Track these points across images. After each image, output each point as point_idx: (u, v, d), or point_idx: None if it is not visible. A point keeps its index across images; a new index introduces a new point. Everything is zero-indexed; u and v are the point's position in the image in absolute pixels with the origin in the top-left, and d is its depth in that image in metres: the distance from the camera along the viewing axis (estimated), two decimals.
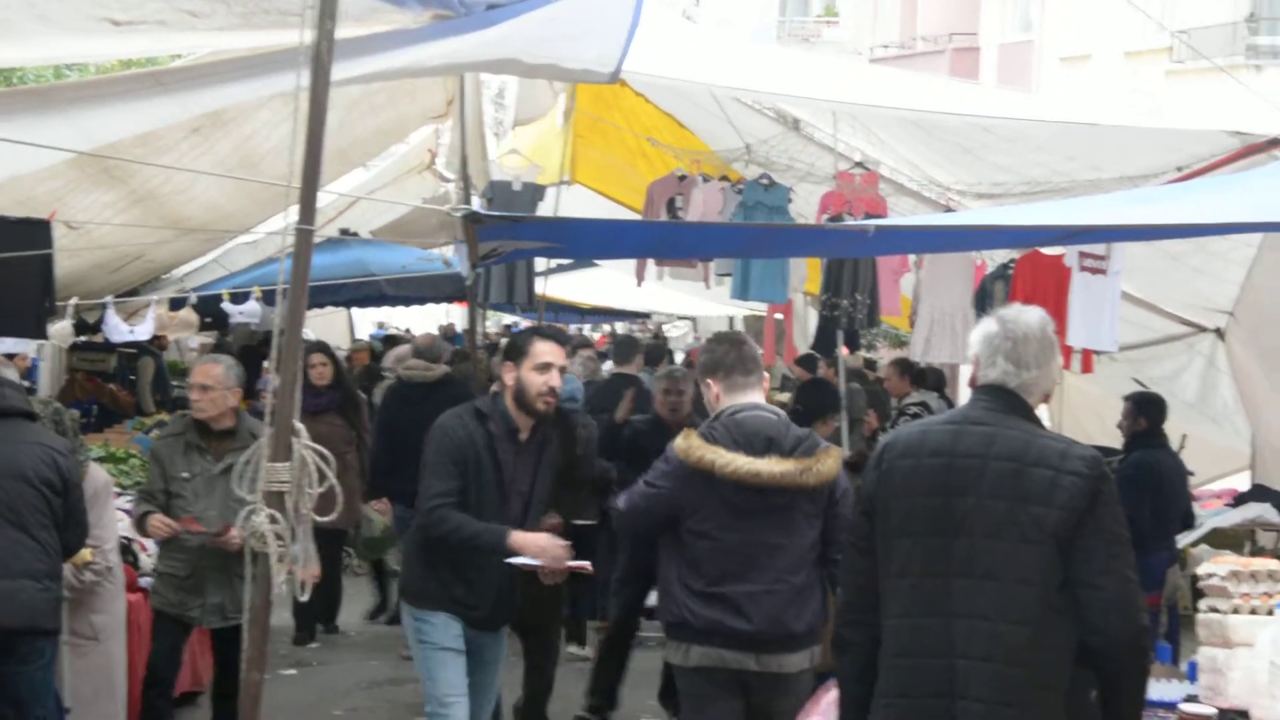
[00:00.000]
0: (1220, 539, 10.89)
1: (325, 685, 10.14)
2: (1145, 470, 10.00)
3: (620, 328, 30.70)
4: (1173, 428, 10.74)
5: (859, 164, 10.17)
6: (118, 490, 8.32)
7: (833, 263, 10.09)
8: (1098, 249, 8.86)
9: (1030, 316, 4.69)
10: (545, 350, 6.52)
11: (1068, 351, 9.20)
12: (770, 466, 6.01)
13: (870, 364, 20.59)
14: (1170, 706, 5.56)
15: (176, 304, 13.77)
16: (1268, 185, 6.90)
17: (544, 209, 11.75)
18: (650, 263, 11.71)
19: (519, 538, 6.32)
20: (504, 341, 12.03)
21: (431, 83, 10.87)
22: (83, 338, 14.76)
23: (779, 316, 13.61)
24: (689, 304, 22.63)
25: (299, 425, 4.99)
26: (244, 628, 5.15)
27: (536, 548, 6.33)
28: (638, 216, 12.10)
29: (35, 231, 9.34)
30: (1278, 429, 10.27)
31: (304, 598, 5.45)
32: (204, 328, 15.91)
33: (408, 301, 17.15)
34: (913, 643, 4.52)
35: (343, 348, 18.25)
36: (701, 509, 6.10)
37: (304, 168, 4.94)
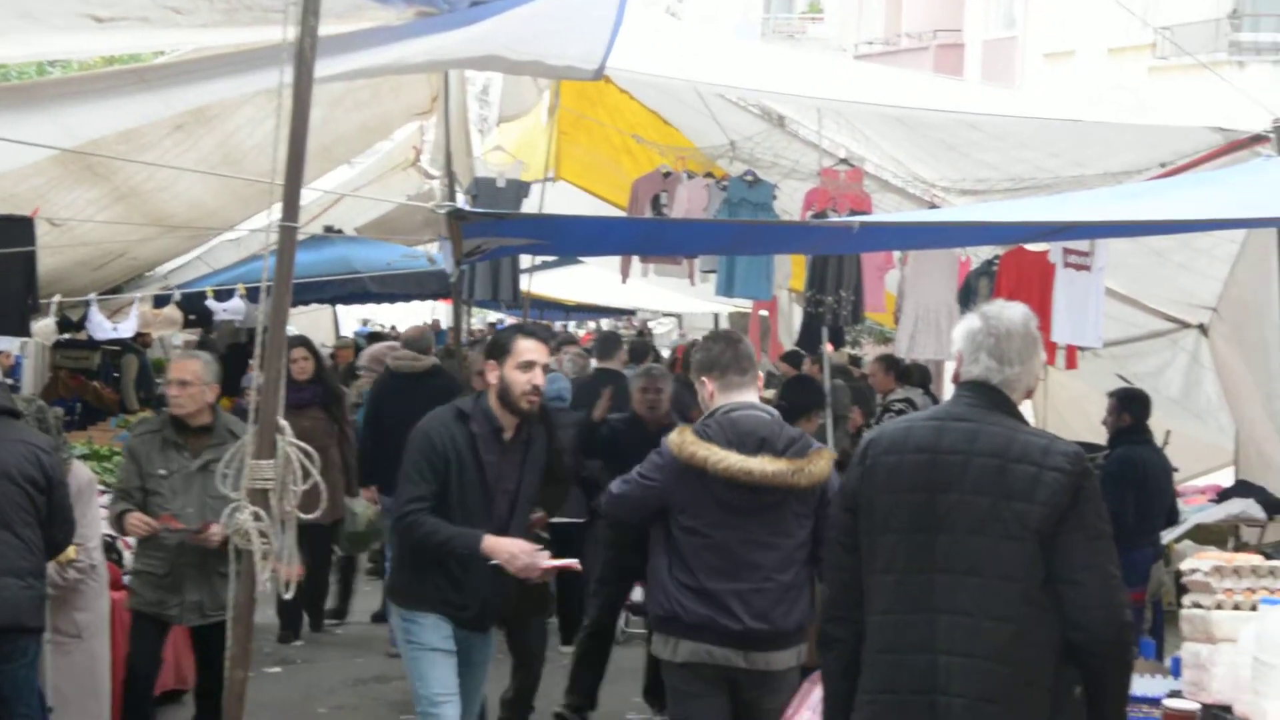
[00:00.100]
0: (1204, 535, 10.90)
1: (310, 683, 10.12)
2: (1129, 466, 10.02)
3: (605, 324, 30.68)
4: (1157, 424, 10.76)
5: (843, 160, 10.17)
6: (101, 488, 8.29)
7: (817, 259, 10.09)
8: (1082, 245, 8.88)
9: (1013, 312, 4.69)
10: (528, 348, 6.47)
11: (1052, 347, 9.22)
12: (762, 466, 6.04)
13: (855, 360, 20.61)
14: (1154, 702, 5.56)
15: (160, 301, 13.75)
16: (1251, 181, 6.92)
17: (529, 206, 11.73)
18: (635, 259, 11.70)
19: (491, 543, 6.28)
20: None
21: (416, 79, 10.86)
22: (66, 335, 14.73)
23: (764, 313, 13.66)
24: (674, 301, 22.63)
25: (283, 422, 4.99)
26: (228, 625, 5.15)
27: (508, 554, 6.27)
28: (622, 213, 12.10)
29: (18, 229, 9.33)
30: (1261, 425, 10.28)
31: (288, 595, 5.43)
32: (188, 325, 15.90)
33: (392, 299, 17.12)
34: (896, 638, 4.52)
35: (327, 345, 18.23)
36: (693, 505, 6.13)
37: (287, 164, 4.94)
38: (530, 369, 6.45)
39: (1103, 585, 4.35)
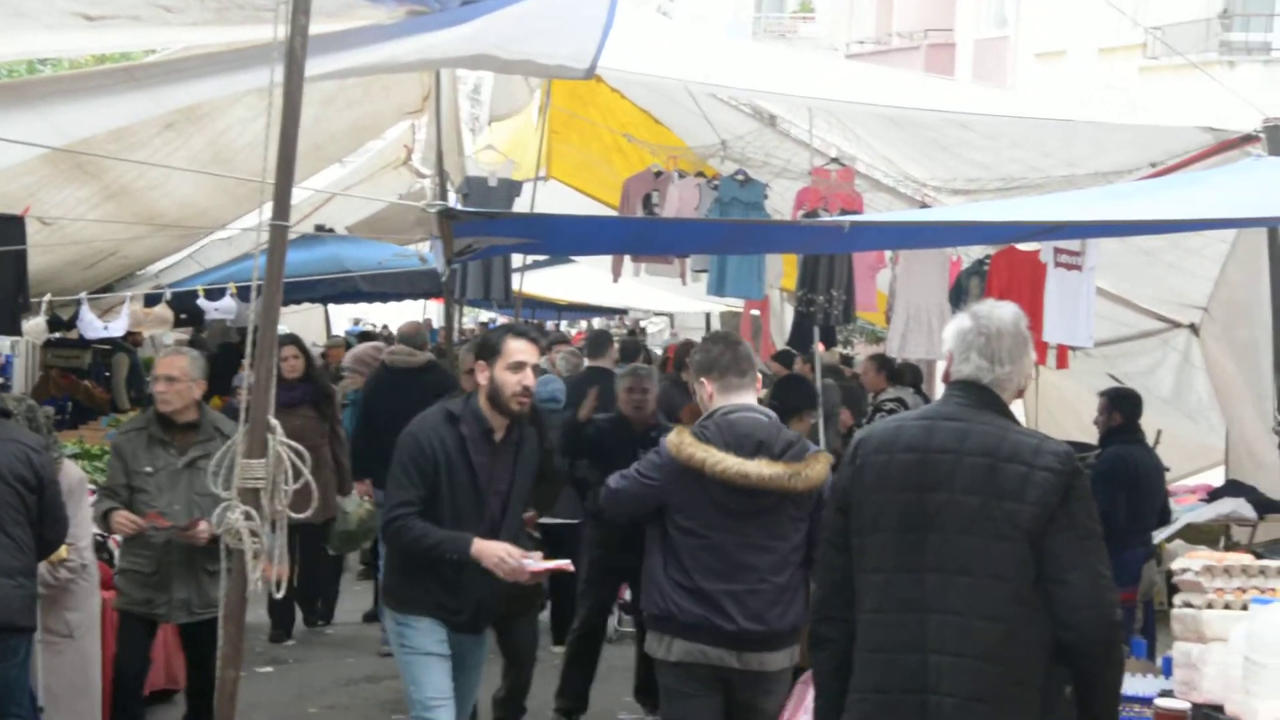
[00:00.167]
0: (1195, 534, 10.91)
1: (302, 683, 10.10)
2: (1120, 465, 10.03)
3: (597, 324, 30.69)
4: (1148, 423, 10.76)
5: (835, 160, 10.17)
6: (92, 487, 8.28)
7: (809, 258, 10.08)
8: (1073, 245, 8.88)
9: (1003, 312, 4.70)
10: (519, 349, 6.43)
11: (1043, 347, 9.22)
12: (759, 469, 6.06)
13: (847, 360, 20.62)
14: (1145, 701, 5.57)
15: (151, 300, 13.74)
16: (1241, 181, 6.93)
17: (520, 205, 11.72)
18: (626, 259, 11.69)
19: (479, 547, 6.25)
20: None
21: (407, 78, 10.85)
22: (57, 334, 14.72)
23: (755, 312, 13.63)
24: (666, 300, 22.65)
25: (274, 421, 4.98)
26: (219, 624, 5.14)
27: (495, 558, 6.23)
28: (614, 212, 12.10)
29: (8, 227, 9.32)
30: (1252, 424, 10.28)
31: (279, 595, 5.42)
32: (179, 324, 15.89)
33: (384, 298, 17.13)
34: (886, 638, 4.53)
35: (319, 344, 18.21)
36: (690, 506, 6.16)
37: (278, 163, 4.93)
38: (521, 370, 6.40)
39: (1093, 585, 4.35)
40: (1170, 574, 6.21)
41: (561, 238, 8.40)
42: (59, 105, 6.09)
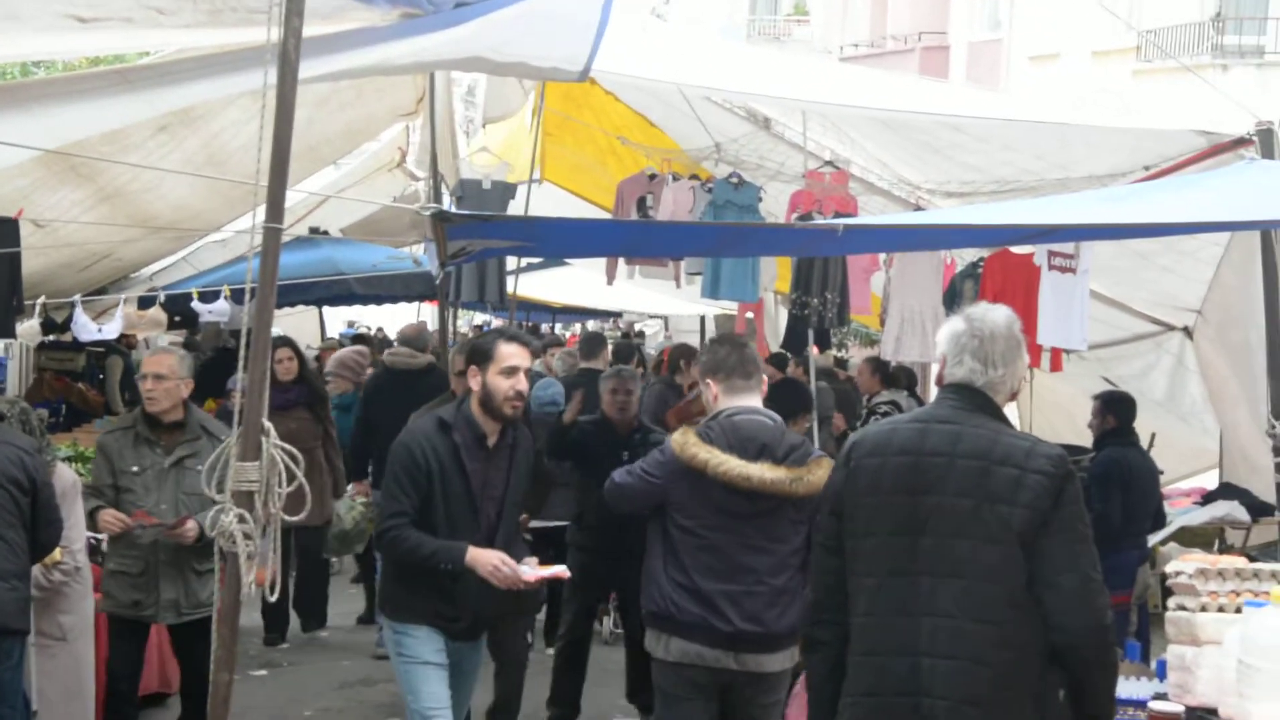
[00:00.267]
0: (1189, 537, 10.93)
1: (296, 686, 10.09)
2: (1114, 467, 10.03)
3: (592, 326, 30.69)
4: (1142, 426, 10.77)
5: (829, 163, 10.18)
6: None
7: (803, 261, 10.08)
8: (1066, 248, 8.89)
9: (997, 315, 4.70)
10: (511, 353, 6.39)
11: (1037, 350, 9.23)
12: (761, 472, 6.10)
13: (841, 362, 20.63)
14: (1139, 704, 5.57)
15: (145, 303, 13.71)
16: (1235, 184, 6.93)
17: (514, 207, 11.73)
18: (621, 261, 11.70)
19: (474, 556, 6.22)
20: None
21: (401, 80, 10.84)
22: (51, 337, 14.71)
23: (750, 315, 13.63)
24: (660, 303, 22.64)
25: (268, 424, 4.98)
26: (212, 625, 5.13)
27: (489, 567, 6.20)
28: (608, 215, 12.10)
29: (1, 230, 9.30)
30: (1246, 427, 10.29)
31: (273, 598, 5.42)
32: (173, 326, 15.88)
33: (379, 300, 17.09)
34: (879, 641, 4.53)
35: (313, 346, 18.21)
36: (691, 505, 6.20)
37: (271, 166, 4.92)
38: (514, 375, 6.37)
39: (1083, 588, 4.35)
40: (1164, 577, 6.21)
41: (556, 240, 8.41)
42: (52, 108, 6.08)
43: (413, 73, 9.94)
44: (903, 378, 13.78)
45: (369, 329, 28.94)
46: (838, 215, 9.42)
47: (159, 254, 14.59)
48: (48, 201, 10.14)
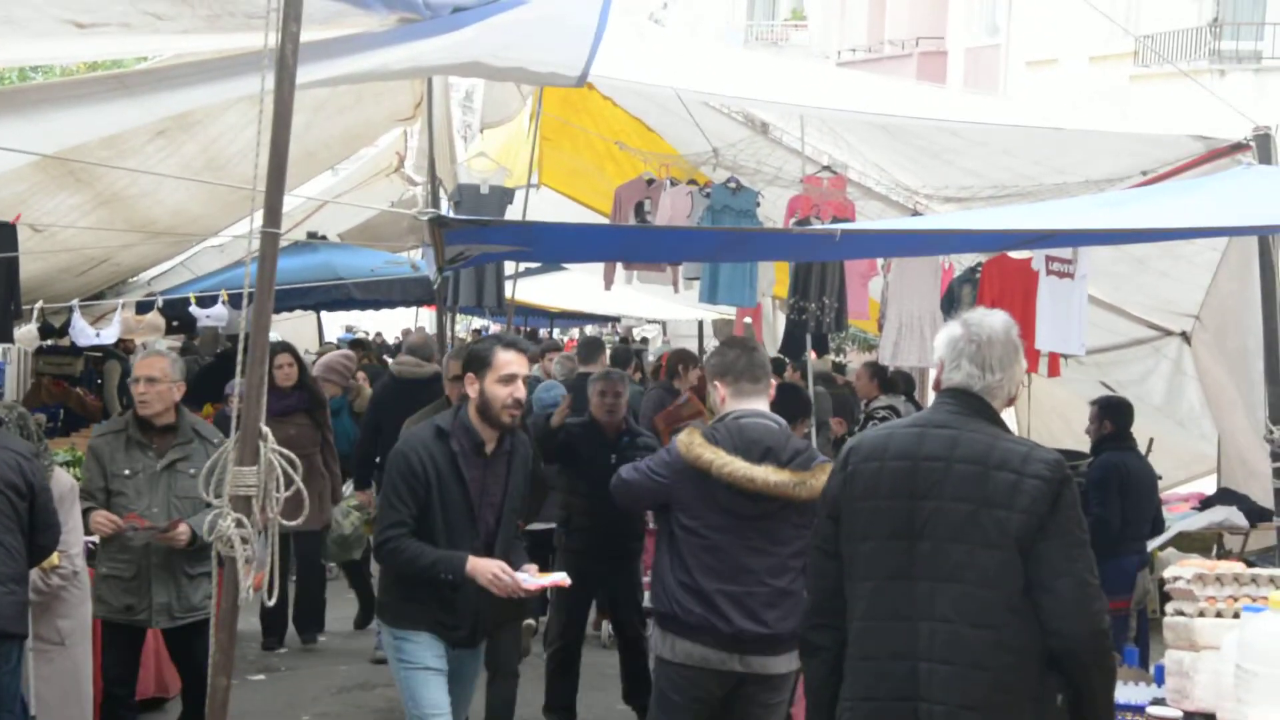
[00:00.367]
0: (1187, 542, 10.91)
1: (294, 690, 10.09)
2: (1112, 471, 10.05)
3: (590, 331, 30.70)
4: (1140, 431, 10.78)
5: (826, 168, 10.18)
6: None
7: (800, 266, 10.09)
8: (1064, 253, 8.89)
9: (994, 320, 4.71)
10: (509, 361, 6.36)
11: (1035, 355, 9.22)
12: (765, 475, 6.14)
13: (839, 368, 20.63)
14: (1138, 710, 5.57)
15: (143, 307, 13.70)
16: (1232, 189, 6.92)
17: (512, 212, 11.73)
18: (619, 266, 11.69)
19: (474, 565, 6.21)
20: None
21: (399, 86, 10.86)
22: (49, 342, 14.68)
23: (748, 320, 13.63)
24: (658, 307, 22.61)
25: (265, 429, 4.98)
26: (210, 631, 5.13)
27: (489, 576, 6.19)
28: (605, 220, 12.09)
29: None
30: (1243, 433, 10.28)
31: (271, 603, 5.42)
32: (170, 331, 15.85)
33: (377, 305, 17.11)
34: (876, 645, 4.53)
35: (311, 351, 18.20)
36: (694, 506, 6.25)
37: (269, 170, 4.93)
38: (511, 382, 6.34)
39: (1080, 593, 4.35)
40: (1162, 582, 6.21)
41: (553, 245, 8.41)
42: (50, 112, 6.08)
43: (410, 78, 9.95)
44: (901, 383, 13.79)
45: (367, 334, 28.97)
46: (835, 220, 9.42)
47: (157, 259, 14.59)
48: (45, 206, 10.13)
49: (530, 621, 10.32)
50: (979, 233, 7.46)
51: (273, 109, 4.91)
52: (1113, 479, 10.00)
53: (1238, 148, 7.63)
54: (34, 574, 6.93)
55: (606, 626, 11.10)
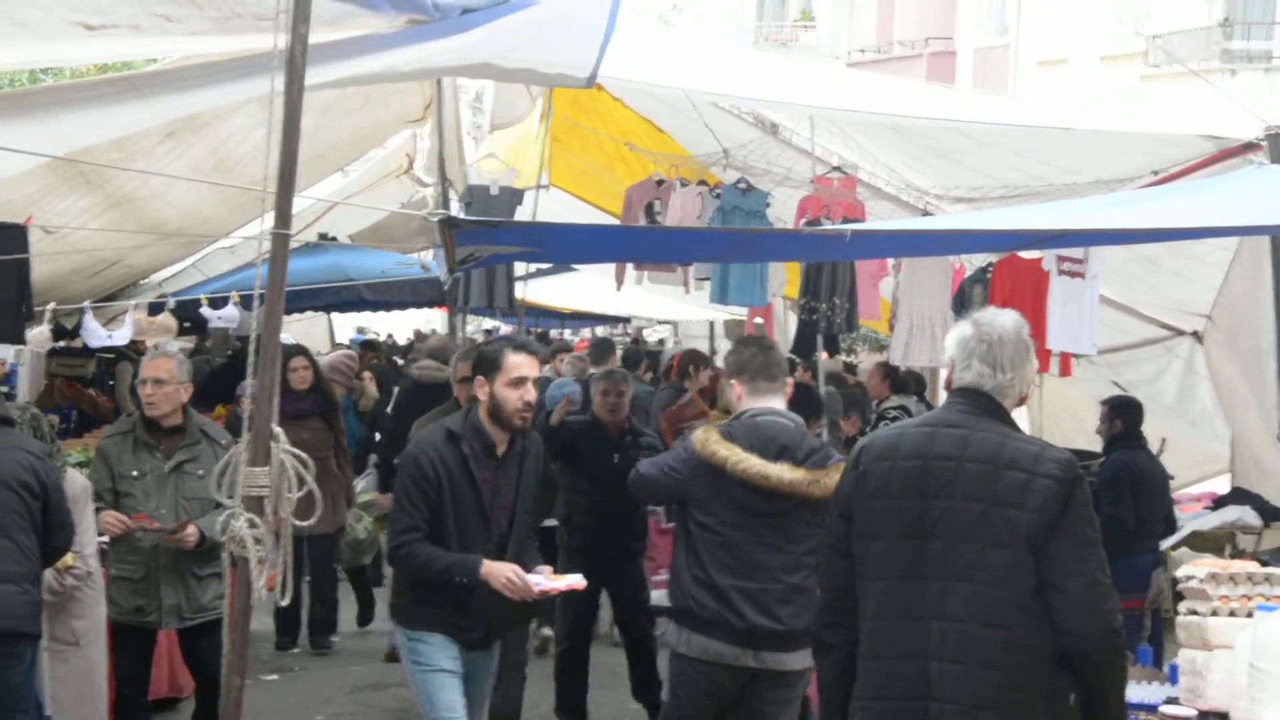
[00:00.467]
0: (1200, 542, 10.88)
1: (307, 690, 10.10)
2: (1124, 469, 10.06)
3: (601, 332, 30.69)
4: (1152, 431, 10.76)
5: (836, 168, 10.18)
6: None
7: (811, 266, 10.09)
8: (1075, 253, 8.88)
9: (1005, 319, 4.70)
10: (519, 363, 6.31)
11: (1046, 355, 9.21)
12: (780, 473, 6.19)
13: (850, 368, 20.60)
14: (1151, 709, 5.57)
15: (155, 309, 13.72)
16: (1243, 188, 6.92)
17: (522, 213, 11.73)
18: (629, 267, 11.69)
19: (488, 569, 6.19)
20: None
21: (408, 87, 10.87)
22: (61, 343, 14.71)
23: (759, 320, 13.63)
24: (669, 308, 22.62)
25: (277, 429, 4.98)
26: (224, 630, 5.13)
27: (502, 579, 6.17)
28: (616, 221, 12.10)
29: (11, 236, 9.32)
30: (1256, 432, 10.27)
31: (284, 603, 5.41)
32: (182, 332, 15.87)
33: (388, 306, 17.12)
34: (888, 645, 4.53)
35: (322, 353, 18.23)
36: (710, 502, 6.30)
37: (279, 172, 4.93)
38: (521, 385, 6.29)
39: (1092, 592, 4.35)
40: (1175, 582, 6.20)
41: (564, 246, 8.42)
42: (60, 114, 6.09)
43: (420, 79, 9.97)
44: (912, 383, 13.76)
45: (378, 335, 28.97)
46: (846, 220, 9.42)
47: (168, 260, 14.62)
48: (57, 208, 10.15)
49: (547, 632, 10.36)
50: (990, 233, 7.46)
51: (282, 111, 4.91)
52: (1125, 477, 10.01)
53: (1249, 147, 7.62)
54: (48, 574, 6.94)
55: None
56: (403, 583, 6.67)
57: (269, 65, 4.94)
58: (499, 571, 6.19)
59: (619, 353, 13.99)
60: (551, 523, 9.57)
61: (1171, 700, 5.61)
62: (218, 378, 13.48)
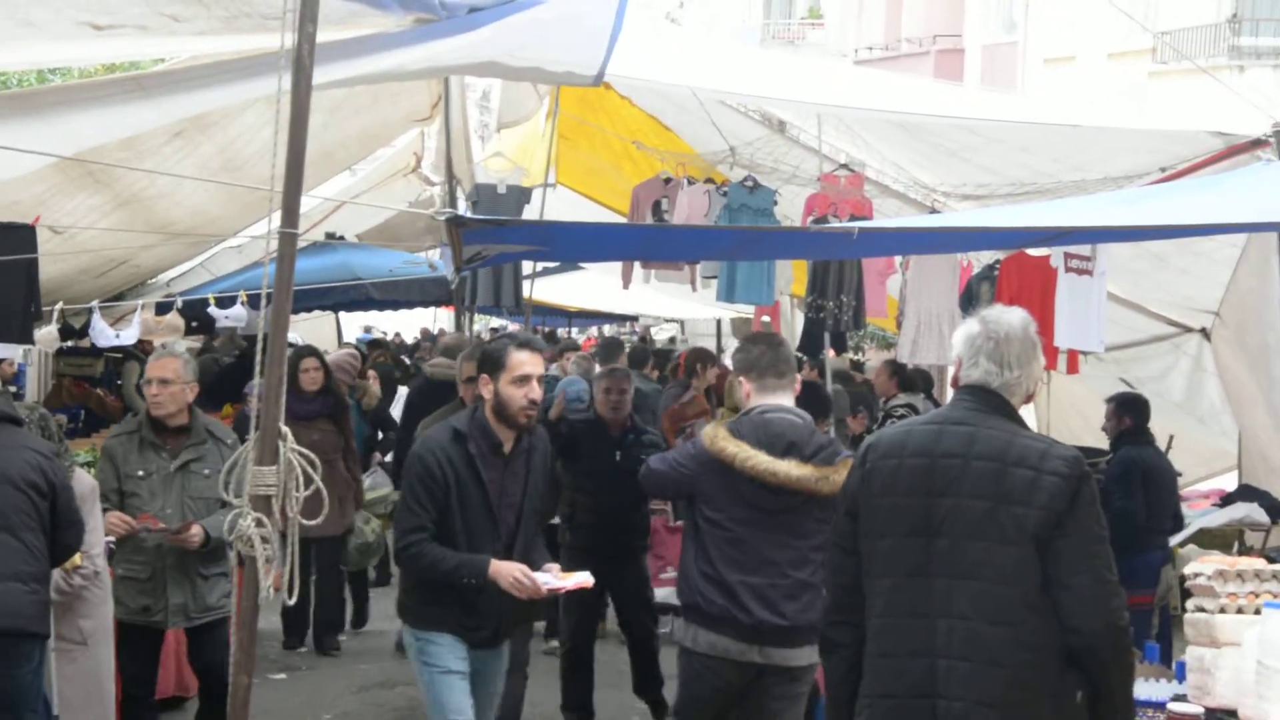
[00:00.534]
0: (1208, 539, 10.90)
1: (314, 689, 10.11)
2: (1133, 465, 10.08)
3: (608, 330, 30.71)
4: (1160, 428, 10.76)
5: (844, 166, 10.17)
6: None
7: (818, 264, 10.07)
8: (1083, 250, 8.87)
9: (1012, 317, 4.71)
10: (523, 361, 6.28)
11: (1053, 352, 9.21)
12: (788, 469, 6.20)
13: (858, 365, 20.61)
14: (1159, 706, 5.56)
15: (162, 308, 13.73)
16: (1251, 185, 6.91)
17: (530, 212, 11.73)
18: (636, 265, 11.69)
19: (495, 569, 6.18)
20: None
21: (416, 86, 10.86)
22: (69, 343, 14.73)
23: (766, 318, 13.63)
24: (676, 306, 22.63)
25: (284, 429, 4.98)
26: (231, 628, 5.14)
27: (510, 579, 6.16)
28: (623, 219, 12.10)
29: (19, 236, 9.30)
30: (1264, 429, 10.27)
31: (291, 602, 5.41)
32: (190, 332, 15.90)
33: (395, 305, 17.12)
34: (895, 643, 4.53)
35: (330, 352, 18.24)
36: (718, 498, 6.31)
37: (286, 171, 4.93)
38: (526, 383, 6.26)
39: (1098, 589, 4.35)
40: (1183, 579, 6.20)
41: (571, 245, 8.42)
42: (68, 114, 6.10)
43: (427, 78, 9.95)
44: (919, 380, 13.75)
45: (385, 334, 29.00)
46: (853, 218, 9.41)
47: (176, 260, 14.62)
48: (65, 208, 10.16)
49: (554, 644, 10.36)
50: (997, 230, 7.45)
51: (289, 110, 4.92)
52: (1134, 472, 10.03)
53: (1257, 144, 7.61)
54: (56, 574, 6.94)
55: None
56: (410, 581, 6.67)
57: (276, 64, 4.95)
58: (507, 571, 6.19)
59: (627, 351, 13.97)
60: (554, 521, 9.58)
61: (1179, 697, 5.61)
62: (225, 377, 13.50)
